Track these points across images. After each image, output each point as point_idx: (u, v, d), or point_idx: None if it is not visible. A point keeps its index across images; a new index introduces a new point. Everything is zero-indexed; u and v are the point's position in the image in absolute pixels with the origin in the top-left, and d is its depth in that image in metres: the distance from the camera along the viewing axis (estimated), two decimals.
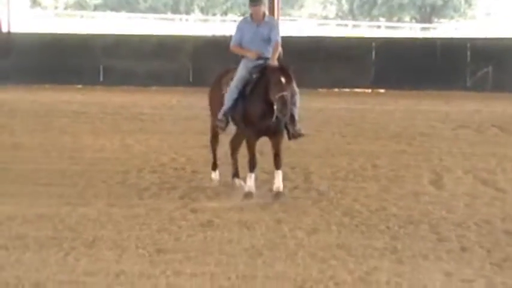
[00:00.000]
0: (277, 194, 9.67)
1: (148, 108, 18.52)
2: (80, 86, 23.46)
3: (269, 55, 9.81)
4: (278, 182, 9.75)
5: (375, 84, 23.19)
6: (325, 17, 60.10)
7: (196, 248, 7.85)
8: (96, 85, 23.45)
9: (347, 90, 23.08)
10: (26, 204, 9.50)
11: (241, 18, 11.09)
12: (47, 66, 23.60)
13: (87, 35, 27.12)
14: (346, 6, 62.18)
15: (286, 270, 7.23)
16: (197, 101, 18.97)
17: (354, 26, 52.79)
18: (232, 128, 10.46)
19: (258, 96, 9.62)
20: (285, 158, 10.72)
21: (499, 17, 56.17)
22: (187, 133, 14.83)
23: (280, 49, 9.85)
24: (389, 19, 58.47)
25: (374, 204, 9.64)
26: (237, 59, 10.18)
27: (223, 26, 45.86)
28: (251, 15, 10.04)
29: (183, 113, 17.79)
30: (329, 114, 17.54)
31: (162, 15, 55.07)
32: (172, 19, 54.13)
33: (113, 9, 57.17)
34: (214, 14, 58.71)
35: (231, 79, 10.02)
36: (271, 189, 9.81)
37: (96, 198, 9.82)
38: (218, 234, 8.32)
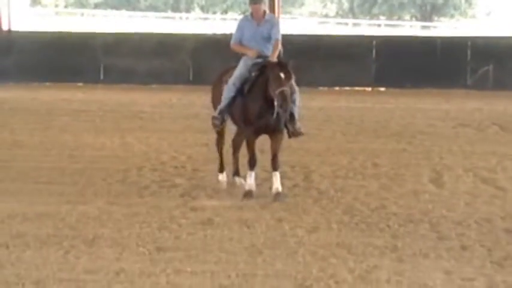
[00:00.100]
0: (277, 195, 9.66)
1: (148, 107, 18.52)
2: (80, 84, 23.44)
3: (269, 53, 9.80)
4: (276, 183, 9.73)
5: (376, 82, 23.18)
6: (326, 15, 60.11)
7: (197, 246, 7.86)
8: (97, 83, 23.43)
9: (347, 88, 23.06)
10: (26, 202, 9.50)
11: (241, 16, 11.07)
12: (47, 64, 23.58)
13: (88, 33, 27.10)
14: (346, 5, 62.18)
15: (287, 268, 7.24)
16: (197, 99, 19.04)
17: (354, 24, 52.79)
18: (232, 128, 10.47)
19: (257, 94, 9.60)
20: (285, 156, 10.74)
21: (499, 15, 56.17)
22: (188, 131, 14.83)
23: (280, 47, 9.85)
24: (389, 17, 58.49)
25: (374, 202, 9.64)
26: (237, 58, 10.17)
27: (224, 24, 45.86)
28: (251, 13, 10.03)
29: (183, 111, 17.79)
30: (329, 113, 17.53)
31: (163, 14, 55.09)
32: (172, 17, 54.15)
33: (113, 7, 57.18)
34: (214, 13, 58.72)
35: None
36: (271, 188, 9.80)
37: (96, 197, 9.82)
38: (218, 232, 8.32)
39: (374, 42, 23.65)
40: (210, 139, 12.70)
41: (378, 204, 9.53)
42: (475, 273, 7.15)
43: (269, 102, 9.44)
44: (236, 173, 10.50)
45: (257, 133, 9.84)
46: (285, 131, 9.89)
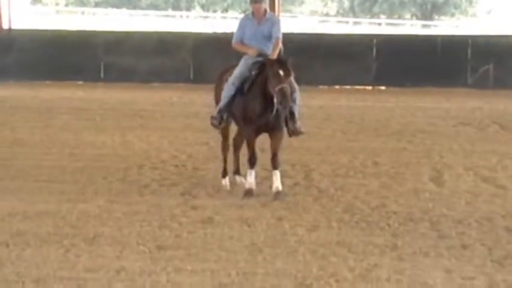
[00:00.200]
0: (277, 194, 9.66)
1: (149, 105, 18.52)
2: (80, 83, 23.45)
3: (270, 52, 9.78)
4: (276, 182, 9.73)
5: (376, 81, 23.18)
6: (326, 14, 60.09)
7: (197, 244, 7.86)
8: (97, 82, 23.43)
9: (348, 87, 23.06)
10: (27, 200, 9.50)
11: (242, 15, 11.07)
12: (47, 63, 23.58)
13: (88, 31, 27.10)
14: (347, 4, 62.17)
15: (287, 267, 7.24)
16: (198, 98, 19.05)
17: (355, 23, 52.78)
18: (236, 129, 10.46)
19: (256, 92, 9.59)
20: (285, 155, 10.74)
21: (500, 14, 56.15)
22: (188, 130, 14.83)
23: (281, 46, 9.84)
24: (390, 16, 58.47)
25: (374, 201, 9.64)
26: (238, 56, 10.17)
27: (224, 23, 45.84)
28: (252, 12, 10.02)
29: (184, 109, 17.79)
30: (330, 112, 17.53)
31: (163, 12, 55.08)
32: (173, 16, 54.14)
33: (113, 6, 57.18)
34: (215, 11, 58.70)
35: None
36: (271, 187, 9.79)
37: (97, 195, 9.82)
38: (219, 231, 8.33)
39: (374, 41, 23.64)
40: (211, 138, 12.75)
41: (378, 203, 9.53)
42: (476, 272, 7.15)
43: (269, 100, 9.44)
44: (236, 171, 10.50)
45: (257, 131, 9.83)
46: (285, 130, 9.89)
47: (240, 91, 9.82)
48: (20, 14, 29.51)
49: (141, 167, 11.50)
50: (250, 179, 9.84)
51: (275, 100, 9.31)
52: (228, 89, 9.89)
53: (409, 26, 52.59)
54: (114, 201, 9.50)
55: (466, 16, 60.77)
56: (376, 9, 60.60)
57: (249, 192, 9.75)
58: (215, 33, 26.24)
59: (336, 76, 23.11)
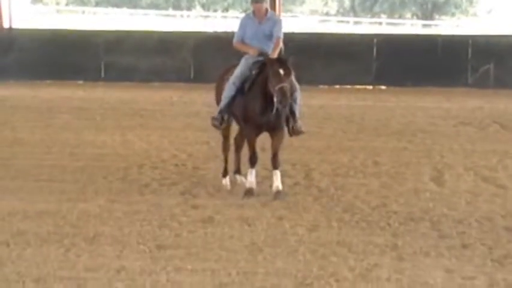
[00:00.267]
0: (277, 193, 9.66)
1: (149, 105, 18.52)
2: (81, 82, 23.46)
3: (271, 51, 9.77)
4: (277, 182, 9.73)
5: (376, 81, 23.18)
6: (327, 14, 60.10)
7: (197, 244, 7.86)
8: (98, 81, 23.44)
9: (348, 86, 23.06)
10: (27, 200, 9.50)
11: (243, 14, 11.05)
12: (48, 62, 23.59)
13: (89, 31, 27.10)
14: (347, 3, 62.18)
15: (287, 266, 7.24)
16: (198, 97, 19.06)
17: (355, 22, 52.77)
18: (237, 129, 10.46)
19: (257, 91, 9.57)
20: (285, 154, 10.74)
21: (500, 14, 56.15)
22: (188, 129, 14.83)
23: (281, 45, 9.83)
24: (390, 16, 58.47)
25: (375, 201, 9.64)
26: (238, 56, 10.16)
27: (225, 22, 45.84)
28: (253, 12, 10.00)
29: (184, 109, 17.79)
30: (330, 111, 17.53)
31: (164, 12, 55.09)
32: (173, 15, 54.14)
33: (114, 5, 57.19)
34: (215, 11, 58.71)
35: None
36: (271, 186, 9.79)
37: (97, 194, 9.82)
38: (219, 230, 8.33)
39: (375, 40, 23.64)
40: (211, 137, 12.75)
41: (378, 203, 9.53)
42: (476, 271, 7.15)
43: (269, 100, 9.42)
44: (237, 171, 10.50)
45: (258, 131, 9.82)
46: (286, 129, 9.88)
47: (240, 91, 9.82)
48: (21, 13, 29.54)
49: (141, 167, 11.50)
50: (250, 178, 9.84)
51: (275, 99, 9.30)
52: (228, 89, 9.89)
53: (410, 26, 52.59)
54: (115, 201, 9.50)
55: (467, 16, 60.79)
56: (376, 8, 60.62)
57: (249, 192, 9.75)
58: (216, 32, 26.23)
59: (337, 75, 23.11)
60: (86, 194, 9.89)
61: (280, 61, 9.41)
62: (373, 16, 58.28)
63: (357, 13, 60.03)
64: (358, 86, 23.10)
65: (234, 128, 10.42)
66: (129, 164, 11.69)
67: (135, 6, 56.77)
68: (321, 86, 22.48)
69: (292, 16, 51.30)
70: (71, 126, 15.24)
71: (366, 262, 7.35)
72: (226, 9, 59.45)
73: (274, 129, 9.74)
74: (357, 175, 11.16)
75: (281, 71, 9.28)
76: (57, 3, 59.35)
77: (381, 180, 10.83)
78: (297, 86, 9.84)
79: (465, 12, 61.24)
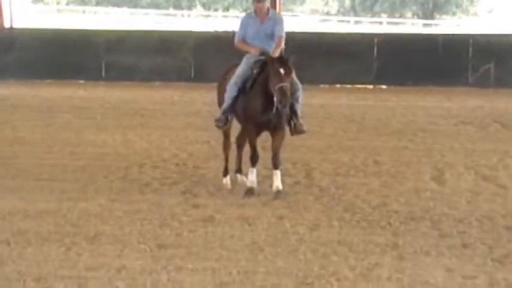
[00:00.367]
0: (277, 193, 9.66)
1: (150, 104, 18.53)
2: (82, 82, 23.46)
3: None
4: (277, 182, 9.72)
5: (377, 80, 23.18)
6: (327, 13, 60.08)
7: (198, 243, 7.86)
8: (98, 80, 23.45)
9: (349, 86, 23.07)
10: (28, 199, 9.51)
11: (243, 14, 11.04)
12: (48, 61, 23.60)
13: (89, 30, 27.11)
14: (348, 2, 62.17)
15: (288, 266, 7.24)
16: (199, 97, 19.07)
17: (356, 22, 52.72)
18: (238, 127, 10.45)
19: (258, 90, 9.55)
20: (286, 153, 10.74)
21: (501, 13, 56.15)
22: (189, 129, 14.83)
23: (283, 44, 9.81)
24: (391, 15, 58.45)
25: (375, 200, 9.64)
26: (239, 55, 10.15)
27: (225, 21, 45.83)
28: (255, 11, 9.99)
29: (185, 108, 17.79)
30: (331, 110, 17.53)
31: (164, 11, 55.07)
32: (174, 15, 54.11)
33: (115, 4, 57.18)
34: (216, 10, 58.69)
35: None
36: (271, 186, 9.79)
37: (98, 194, 9.83)
38: (219, 229, 8.33)
39: (375, 39, 23.64)
40: (212, 136, 12.76)
41: (379, 202, 9.53)
42: (476, 270, 7.15)
43: (270, 99, 9.40)
44: (238, 170, 10.50)
45: (259, 130, 9.81)
46: (287, 129, 9.88)
47: (242, 90, 9.80)
48: (21, 12, 29.53)
49: (142, 166, 11.50)
50: (251, 177, 9.84)
51: (275, 99, 9.29)
52: (230, 89, 9.86)
53: (410, 25, 52.55)
54: (115, 200, 9.50)
55: (467, 15, 60.78)
56: (377, 8, 60.61)
57: (250, 191, 9.75)
58: (216, 32, 26.24)
59: (337, 75, 23.11)
60: (86, 193, 9.89)
61: (281, 60, 9.38)
62: (373, 15, 58.27)
63: (358, 12, 60.02)
64: (358, 86, 23.10)
65: (235, 127, 10.41)
66: (129, 163, 11.69)
67: (135, 6, 56.76)
68: (322, 86, 22.48)
69: (292, 15, 51.26)
70: (72, 125, 15.24)
71: (367, 261, 7.36)
72: (226, 9, 59.44)
73: (275, 129, 9.73)
74: (358, 174, 11.16)
75: (282, 70, 9.26)
76: (58, 3, 59.35)
77: (382, 179, 10.83)
78: (299, 85, 9.83)
79: (466, 11, 61.23)
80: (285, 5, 40.26)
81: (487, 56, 22.70)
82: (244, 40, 10.01)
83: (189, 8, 58.99)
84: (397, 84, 22.62)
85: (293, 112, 9.75)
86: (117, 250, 7.63)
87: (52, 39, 24.11)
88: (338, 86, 23.07)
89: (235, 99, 9.83)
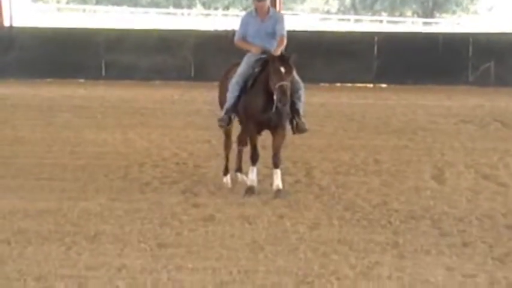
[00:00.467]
0: (277, 192, 9.66)
1: (150, 103, 18.52)
2: (82, 81, 23.46)
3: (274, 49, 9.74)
4: (277, 181, 9.72)
5: (377, 79, 23.17)
6: (327, 12, 60.07)
7: (198, 242, 7.86)
8: (98, 79, 23.45)
9: (349, 85, 23.06)
10: (28, 198, 9.50)
11: (243, 12, 11.03)
12: (48, 60, 23.59)
13: (89, 29, 27.07)
14: (348, 1, 62.16)
15: (288, 264, 7.24)
16: (199, 96, 19.07)
17: (356, 20, 52.71)
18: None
19: (258, 89, 9.53)
20: (286, 152, 10.74)
21: (501, 12, 56.13)
22: (189, 128, 14.83)
23: (285, 43, 9.80)
24: (391, 14, 58.45)
25: (376, 199, 9.64)
26: (239, 54, 10.14)
27: (225, 20, 45.81)
28: (255, 9, 9.97)
29: (185, 107, 17.78)
30: (331, 109, 17.53)
31: (164, 10, 55.06)
32: (174, 14, 54.11)
33: (114, 3, 57.14)
34: (216, 9, 58.67)
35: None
36: (272, 184, 9.79)
37: (98, 193, 9.83)
38: (220, 228, 8.33)
39: (376, 38, 23.63)
40: (212, 135, 12.76)
41: (379, 201, 9.53)
42: (477, 269, 7.15)
43: (270, 97, 9.39)
44: (238, 169, 10.49)
45: (259, 128, 9.80)
46: (288, 128, 9.87)
47: (244, 89, 9.79)
48: (21, 11, 29.51)
49: (142, 165, 11.50)
50: (252, 176, 9.84)
51: (275, 97, 9.28)
52: (232, 89, 9.82)
53: (411, 24, 52.54)
54: (115, 199, 9.50)
55: (468, 14, 60.77)
56: (377, 6, 60.60)
57: (250, 190, 9.75)
58: (216, 30, 26.23)
59: (337, 74, 23.11)
60: (86, 192, 9.89)
61: (282, 59, 9.37)
62: (373, 14, 58.24)
63: (358, 11, 60.02)
64: (359, 84, 23.10)
65: (236, 126, 10.41)
66: (130, 162, 11.69)
67: (135, 5, 56.74)
68: (322, 84, 22.48)
69: (293, 14, 51.24)
70: (72, 124, 15.24)
71: (367, 260, 7.36)
72: (226, 8, 59.43)
73: (275, 128, 9.71)
74: (358, 173, 11.16)
75: (282, 69, 9.25)
76: (58, 2, 59.33)
77: (382, 178, 10.83)
78: (301, 84, 9.82)
79: (466, 10, 61.23)
80: (285, 3, 40.26)
81: (487, 54, 22.70)
82: (244, 39, 9.99)
83: (189, 6, 58.98)
84: (397, 83, 22.62)
85: (295, 111, 9.74)
86: (117, 249, 7.63)
87: (52, 38, 24.10)
88: (338, 84, 23.07)
89: (238, 98, 9.81)
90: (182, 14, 54.23)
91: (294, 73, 9.51)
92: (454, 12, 60.98)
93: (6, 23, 24.94)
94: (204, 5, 60.61)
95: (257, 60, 9.76)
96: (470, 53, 22.93)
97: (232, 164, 10.46)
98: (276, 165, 9.75)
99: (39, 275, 6.94)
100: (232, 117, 9.96)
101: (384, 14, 58.56)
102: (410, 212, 9.04)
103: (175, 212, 8.94)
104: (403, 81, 22.63)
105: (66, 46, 23.73)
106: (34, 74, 23.40)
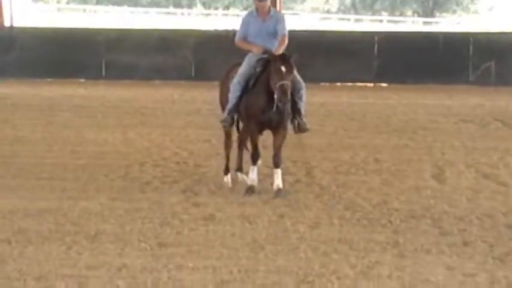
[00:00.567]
0: (278, 191, 9.65)
1: (150, 102, 18.52)
2: (82, 80, 23.46)
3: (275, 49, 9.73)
4: (278, 180, 9.72)
5: (377, 78, 23.17)
6: (328, 11, 60.06)
7: (198, 241, 7.86)
8: (99, 79, 23.45)
9: (349, 84, 23.06)
10: (28, 198, 9.51)
11: (244, 12, 11.02)
12: (49, 60, 23.58)
13: (90, 29, 27.09)
14: (348, 1, 62.14)
15: (288, 264, 7.24)
16: (199, 95, 19.07)
17: (356, 20, 52.73)
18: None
19: (260, 88, 9.53)
20: (287, 151, 10.74)
21: (502, 11, 56.12)
22: (190, 127, 14.83)
23: (286, 42, 9.79)
24: (391, 13, 58.44)
25: (376, 198, 9.64)
26: (240, 54, 10.14)
27: (225, 20, 45.82)
28: (256, 9, 9.97)
29: (185, 107, 17.78)
30: (331, 108, 17.53)
31: (164, 10, 55.07)
32: (174, 13, 54.12)
33: (115, 3, 57.14)
34: (216, 8, 58.67)
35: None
36: (272, 184, 9.79)
37: (98, 192, 9.83)
38: (220, 228, 8.33)
39: (376, 38, 23.63)
40: (212, 135, 12.76)
41: (379, 200, 9.53)
42: (477, 268, 7.15)
43: (271, 97, 9.38)
44: (239, 169, 10.49)
45: (260, 128, 9.79)
46: (289, 128, 9.87)
47: (245, 89, 9.78)
48: (22, 11, 29.52)
49: (142, 165, 11.50)
50: (252, 176, 9.84)
51: (275, 97, 9.28)
52: (234, 89, 9.81)
53: (411, 23, 52.55)
54: (116, 199, 9.50)
55: (468, 13, 60.76)
56: (377, 6, 60.59)
57: (250, 189, 9.74)
58: (216, 30, 26.24)
59: (338, 73, 23.11)
60: (87, 192, 9.89)
61: (283, 58, 9.37)
62: (374, 14, 58.23)
63: (358, 11, 60.02)
64: (359, 84, 23.10)
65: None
66: (130, 162, 11.69)
67: (135, 4, 56.74)
68: (322, 84, 22.48)
69: (293, 14, 51.25)
70: (72, 124, 15.24)
71: (367, 259, 7.35)
72: (227, 7, 59.41)
73: (277, 128, 9.71)
74: (358, 172, 11.16)
75: (283, 68, 9.25)
76: (58, 2, 59.33)
77: (382, 177, 10.83)
78: (303, 83, 9.81)
79: (466, 9, 61.21)
80: (285, 3, 40.25)
81: (488, 54, 22.70)
82: (245, 39, 9.99)
83: (190, 6, 58.97)
84: (397, 82, 22.62)
85: (296, 111, 9.74)
86: (117, 249, 7.63)
87: (52, 38, 24.10)
88: (338, 84, 23.07)
89: (239, 98, 9.80)
90: (182, 14, 54.25)
91: (295, 73, 9.51)
92: (454, 12, 60.97)
93: (7, 23, 24.94)
94: (204, 4, 60.60)
95: (258, 60, 9.75)
96: (471, 53, 22.93)
97: (233, 164, 10.46)
98: (276, 165, 9.75)
99: (40, 274, 6.94)
100: (235, 117, 9.96)
101: (384, 13, 58.55)
102: (410, 211, 9.04)
103: (175, 211, 8.94)
104: (404, 81, 22.63)
105: (67, 46, 23.73)
106: (34, 73, 23.39)
